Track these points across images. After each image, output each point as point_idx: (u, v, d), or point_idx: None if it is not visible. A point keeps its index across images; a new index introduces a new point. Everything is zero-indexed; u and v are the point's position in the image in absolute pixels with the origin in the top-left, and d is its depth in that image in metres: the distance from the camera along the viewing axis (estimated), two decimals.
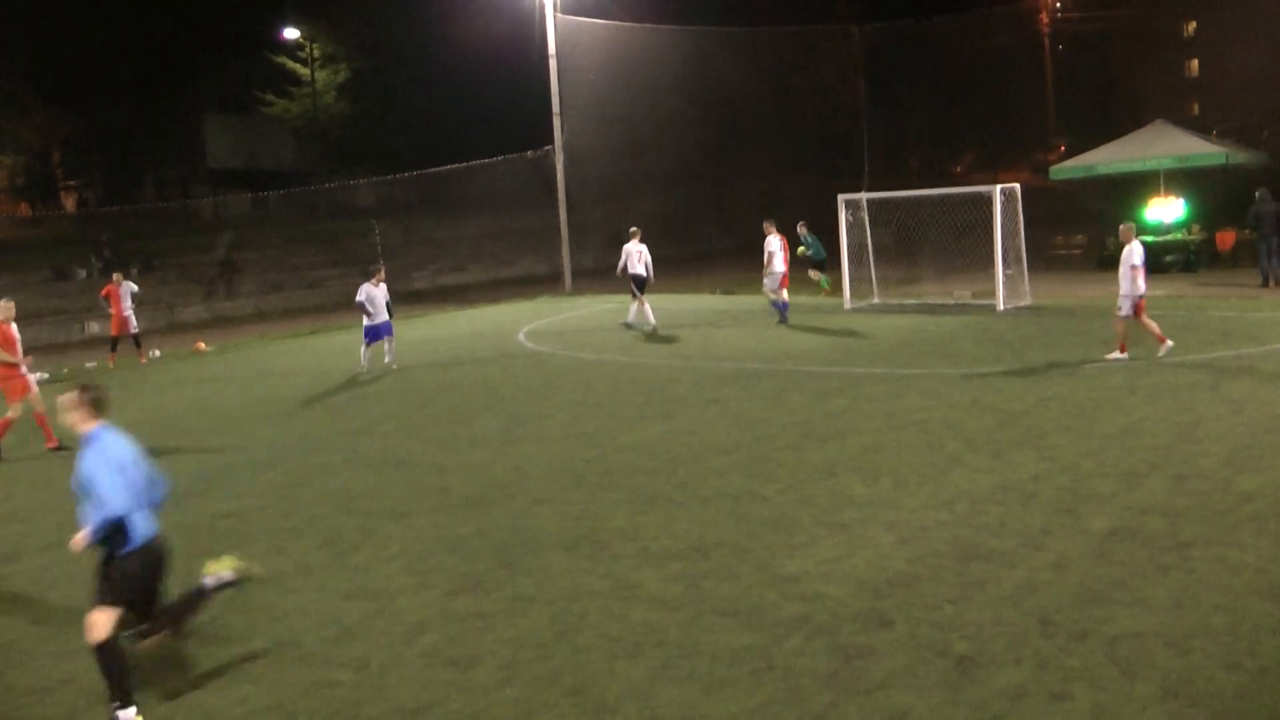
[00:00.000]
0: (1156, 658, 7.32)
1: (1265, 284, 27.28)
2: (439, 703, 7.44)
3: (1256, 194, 27.91)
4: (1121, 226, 18.55)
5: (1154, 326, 17.99)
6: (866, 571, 9.20)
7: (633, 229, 26.93)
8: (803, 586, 8.96)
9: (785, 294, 25.86)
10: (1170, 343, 17.99)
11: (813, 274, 29.06)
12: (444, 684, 7.71)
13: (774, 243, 25.71)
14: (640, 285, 26.52)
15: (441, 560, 10.40)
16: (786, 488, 11.97)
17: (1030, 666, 7.29)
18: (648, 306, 26.46)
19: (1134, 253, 17.72)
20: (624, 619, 8.60)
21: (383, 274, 23.28)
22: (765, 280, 26.24)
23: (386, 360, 23.11)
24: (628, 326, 26.88)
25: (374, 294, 22.55)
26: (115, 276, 28.03)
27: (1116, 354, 18.05)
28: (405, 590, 9.66)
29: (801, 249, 28.15)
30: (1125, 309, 17.81)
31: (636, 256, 26.45)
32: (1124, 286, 17.76)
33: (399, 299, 28.43)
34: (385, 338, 22.86)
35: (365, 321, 22.75)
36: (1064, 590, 8.53)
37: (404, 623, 8.91)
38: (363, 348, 23.08)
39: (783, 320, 25.62)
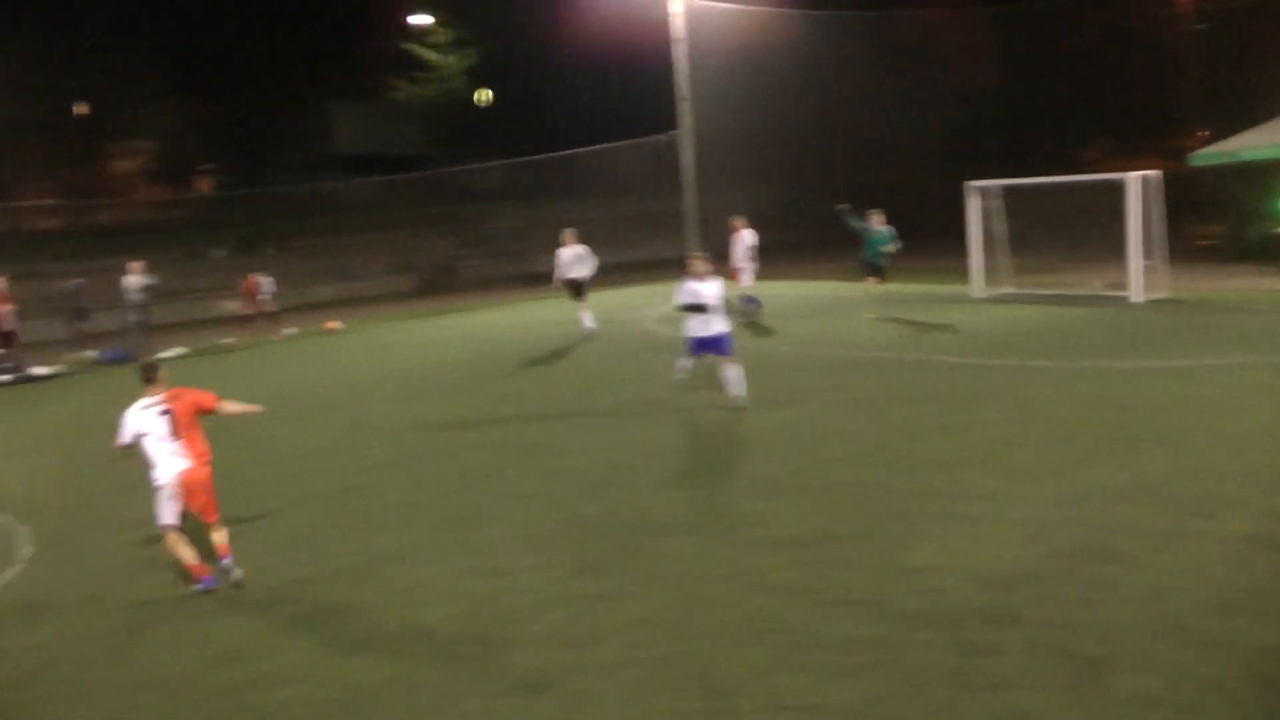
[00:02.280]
0: None
1: None
2: (561, 681, 7.55)
3: None
4: None
5: None
6: (991, 566, 9.08)
7: (566, 230, 25.57)
8: (926, 579, 8.89)
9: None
10: None
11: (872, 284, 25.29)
12: (566, 662, 7.83)
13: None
14: (578, 289, 25.09)
15: (565, 540, 10.54)
16: (911, 478, 11.86)
17: (1161, 675, 7.09)
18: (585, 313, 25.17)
19: None
20: (747, 604, 8.63)
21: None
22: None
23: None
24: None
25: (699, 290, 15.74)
26: (253, 276, 28.93)
27: None
28: (529, 569, 9.81)
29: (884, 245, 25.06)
30: None
31: (572, 259, 24.91)
32: None
33: (521, 281, 28.65)
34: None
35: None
36: (1198, 597, 8.27)
37: (527, 600, 9.06)
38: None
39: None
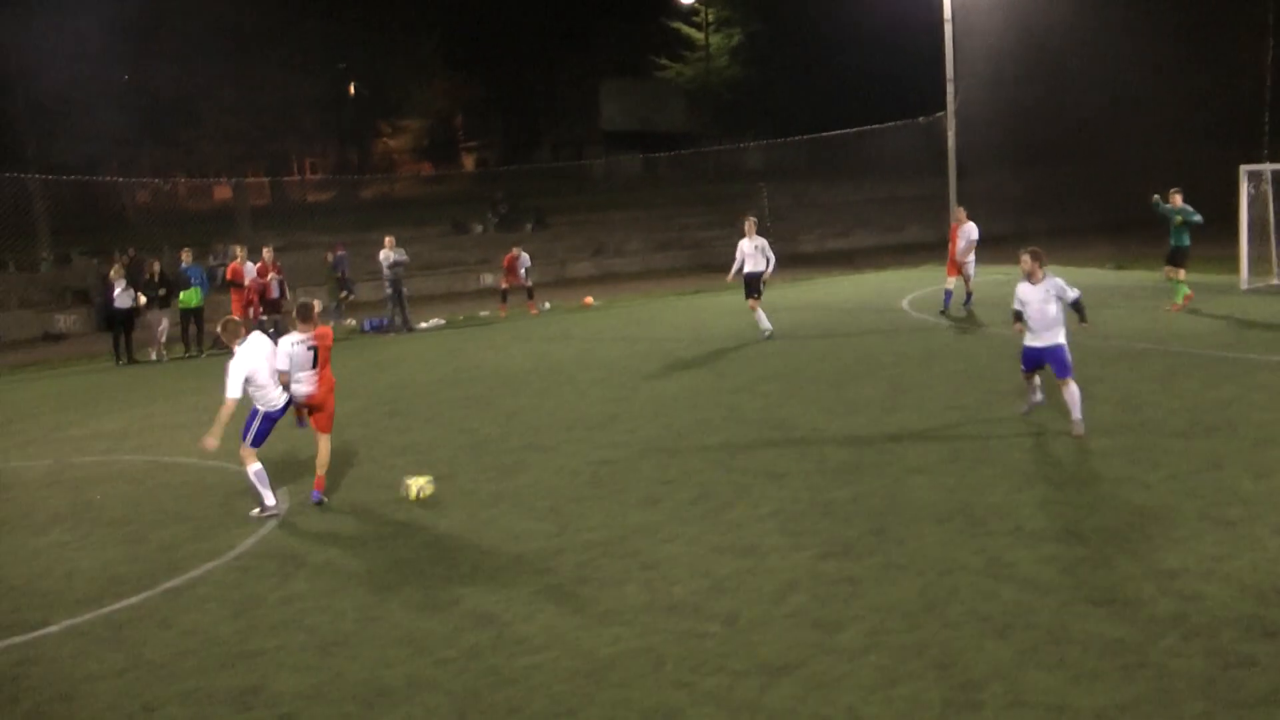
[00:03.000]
0: None
1: None
2: (803, 663, 7.66)
3: None
4: None
5: None
6: (1251, 575, 8.73)
7: (749, 219, 23.16)
8: (1181, 583, 8.62)
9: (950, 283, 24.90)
10: None
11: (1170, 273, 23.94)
12: (809, 645, 7.94)
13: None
14: (753, 286, 22.61)
15: (814, 523, 10.63)
16: (1169, 476, 11.46)
17: None
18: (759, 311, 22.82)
19: None
20: (995, 597, 8.56)
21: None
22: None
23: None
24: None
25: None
26: (514, 250, 29.78)
27: None
28: (777, 549, 9.95)
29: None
30: None
31: (753, 251, 22.47)
32: None
33: (785, 262, 28.64)
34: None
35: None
36: None
37: (774, 581, 9.20)
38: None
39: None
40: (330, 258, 29.33)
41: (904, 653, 7.70)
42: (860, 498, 11.34)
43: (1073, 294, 13.40)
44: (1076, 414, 13.24)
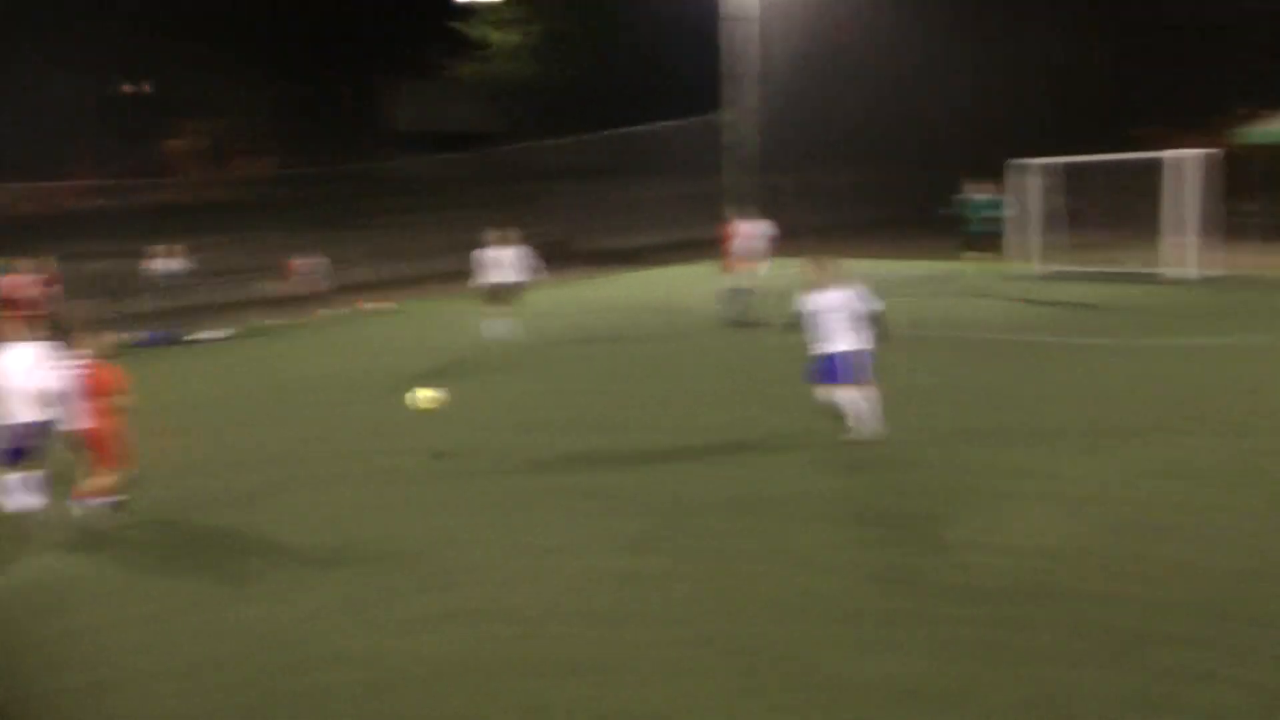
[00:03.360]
0: None
1: None
2: (596, 659, 7.57)
3: None
4: None
5: None
6: (1030, 541, 9.14)
7: (494, 231, 23.68)
8: (964, 554, 8.92)
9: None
10: None
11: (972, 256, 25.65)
12: (602, 641, 7.86)
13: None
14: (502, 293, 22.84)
15: (605, 520, 10.49)
16: (951, 453, 11.91)
17: (1199, 648, 7.15)
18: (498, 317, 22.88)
19: None
20: (782, 582, 8.64)
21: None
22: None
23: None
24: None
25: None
26: (296, 257, 29.14)
27: None
28: (568, 548, 9.77)
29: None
30: None
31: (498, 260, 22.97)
32: None
33: (580, 262, 28.57)
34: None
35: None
36: (1240, 569, 8.29)
37: (566, 580, 9.05)
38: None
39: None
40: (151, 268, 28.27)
41: (695, 643, 7.68)
42: (649, 492, 11.29)
43: (876, 305, 12.60)
44: (863, 421, 12.50)
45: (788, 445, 12.80)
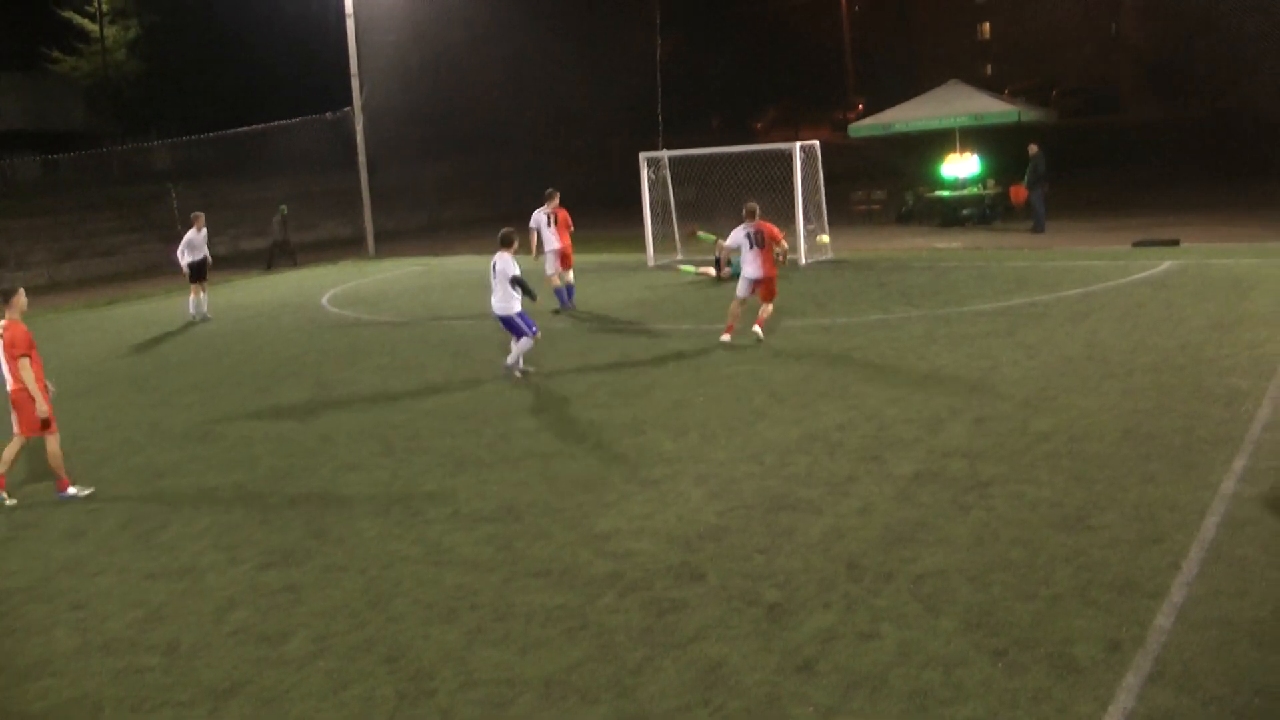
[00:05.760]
0: (959, 593, 7.57)
1: (1040, 230, 28.75)
2: (250, 680, 7.21)
3: (1031, 148, 29.25)
4: None
5: None
6: (677, 526, 9.27)
7: (195, 214, 25.30)
8: (615, 544, 8.98)
9: (570, 275, 22.26)
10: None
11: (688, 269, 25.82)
12: (255, 661, 7.48)
13: (539, 217, 22.12)
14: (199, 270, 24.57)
15: (250, 534, 10.07)
16: (596, 446, 11.98)
17: (839, 610, 7.46)
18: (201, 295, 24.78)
19: None
20: (438, 584, 8.49)
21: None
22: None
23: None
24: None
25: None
26: None
27: None
28: (214, 566, 9.31)
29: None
30: None
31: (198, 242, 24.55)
32: None
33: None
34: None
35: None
36: (870, 534, 8.75)
37: (213, 600, 8.59)
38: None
39: (564, 307, 21.87)
40: None
41: (352, 653, 7.44)
42: (296, 501, 10.91)
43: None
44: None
45: (433, 441, 12.65)
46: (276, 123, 40.17)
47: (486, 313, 15.73)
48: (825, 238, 25.85)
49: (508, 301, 15.50)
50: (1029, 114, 34.80)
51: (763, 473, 10.55)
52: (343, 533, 9.85)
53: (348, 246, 41.06)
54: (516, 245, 15.84)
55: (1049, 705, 6.12)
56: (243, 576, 9.04)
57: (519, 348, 15.64)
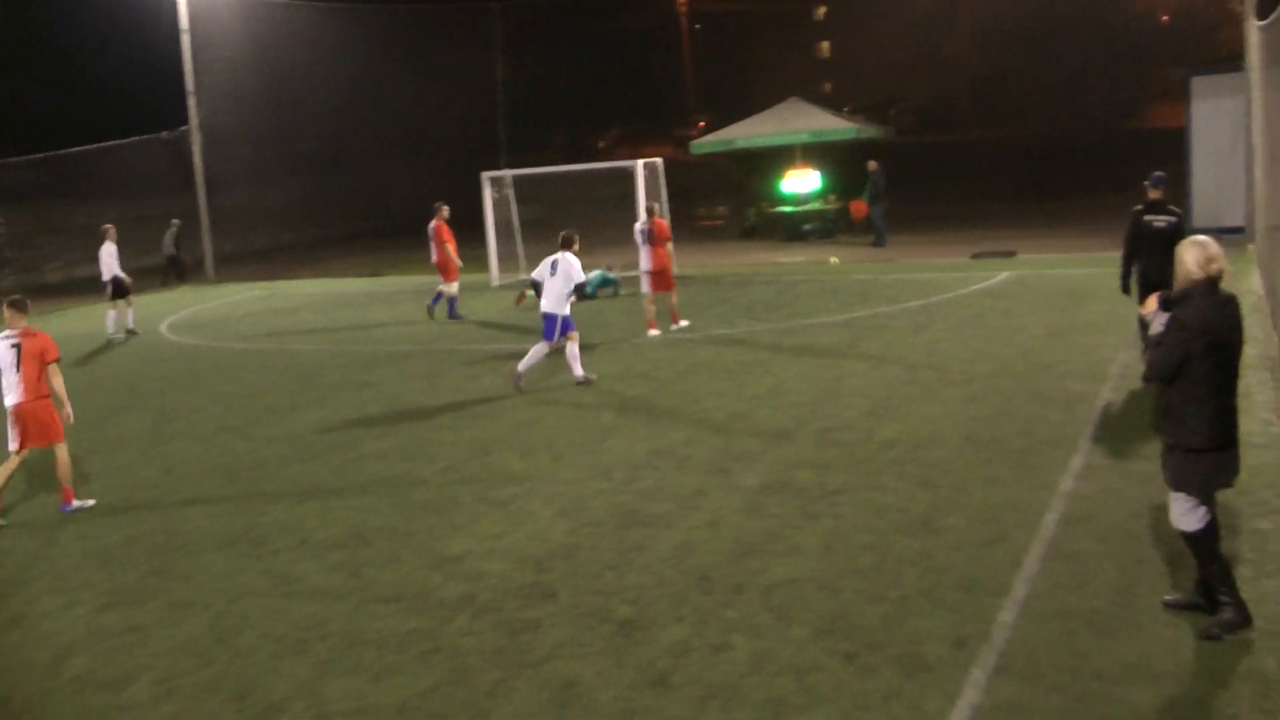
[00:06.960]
0: (810, 600, 7.70)
1: (881, 245, 29.48)
2: None
3: (870, 165, 30.00)
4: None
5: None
6: (528, 546, 9.24)
7: (105, 226, 25.38)
8: (466, 566, 8.92)
9: (454, 287, 22.98)
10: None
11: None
12: (96, 710, 7.15)
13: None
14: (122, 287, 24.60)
15: (89, 575, 9.65)
16: (445, 468, 11.88)
17: (691, 623, 7.52)
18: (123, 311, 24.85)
19: None
20: (286, 615, 8.29)
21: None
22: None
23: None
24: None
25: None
26: None
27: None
28: (49, 613, 8.91)
29: None
30: None
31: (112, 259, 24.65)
32: None
33: (28, 292, 26.33)
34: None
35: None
36: (720, 547, 8.85)
37: (49, 647, 8.20)
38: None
39: (452, 314, 22.87)
40: None
41: (200, 692, 7.21)
42: (138, 539, 10.52)
43: None
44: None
45: (261, 470, 12.41)
46: (110, 143, 38.92)
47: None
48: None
49: (562, 303, 15.25)
50: (867, 131, 35.68)
51: (612, 489, 10.59)
52: (187, 568, 9.57)
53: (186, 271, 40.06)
54: (577, 244, 15.59)
55: (900, 704, 6.27)
56: (82, 618, 8.68)
57: (536, 352, 15.36)
